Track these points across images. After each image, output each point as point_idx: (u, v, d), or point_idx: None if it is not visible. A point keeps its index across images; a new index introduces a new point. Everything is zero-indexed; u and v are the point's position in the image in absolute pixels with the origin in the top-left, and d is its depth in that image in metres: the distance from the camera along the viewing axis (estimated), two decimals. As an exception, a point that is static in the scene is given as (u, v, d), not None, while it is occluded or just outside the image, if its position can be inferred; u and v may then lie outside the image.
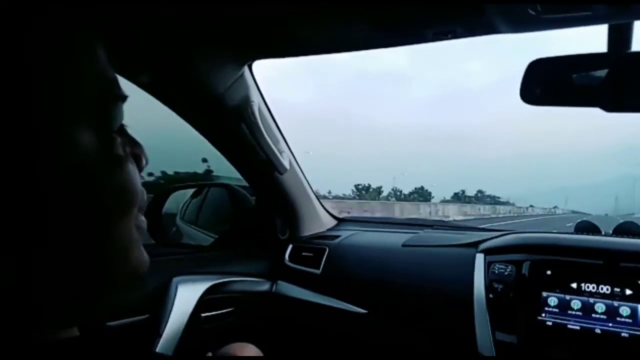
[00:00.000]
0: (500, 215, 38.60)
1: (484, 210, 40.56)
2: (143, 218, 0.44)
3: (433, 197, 75.67)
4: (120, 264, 0.40)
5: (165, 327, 1.11)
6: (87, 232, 0.36)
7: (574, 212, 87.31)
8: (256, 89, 1.17)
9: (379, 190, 67.70)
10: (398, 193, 72.75)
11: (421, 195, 73.34)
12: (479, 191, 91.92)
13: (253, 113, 1.15)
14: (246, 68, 1.10)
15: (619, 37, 0.73)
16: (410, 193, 75.46)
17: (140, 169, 0.43)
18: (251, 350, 1.02)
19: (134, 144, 0.43)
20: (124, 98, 0.41)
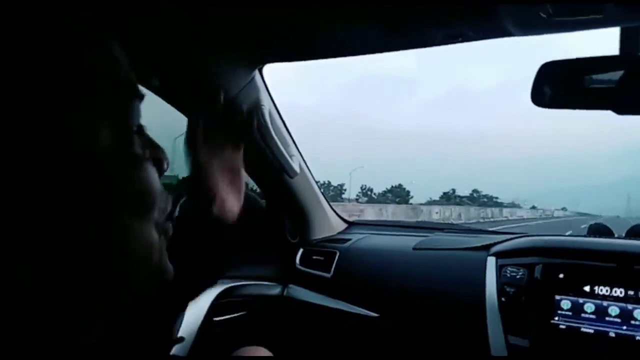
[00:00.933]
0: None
1: (391, 212, 23.92)
2: (169, 224, 0.43)
3: (412, 196, 64.35)
4: (138, 270, 0.38)
5: (178, 331, 1.12)
6: (100, 234, 0.35)
7: (580, 214, 79.59)
8: (267, 93, 1.18)
9: (340, 189, 59.98)
10: (369, 192, 63.83)
11: (398, 195, 62.18)
12: (475, 191, 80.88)
13: (263, 117, 1.15)
14: (257, 72, 1.11)
15: (632, 39, 0.73)
16: (384, 192, 64.39)
17: (161, 173, 0.42)
18: (263, 353, 1.02)
19: (154, 147, 0.42)
20: (141, 97, 0.41)
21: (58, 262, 0.33)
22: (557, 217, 51.16)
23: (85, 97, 0.34)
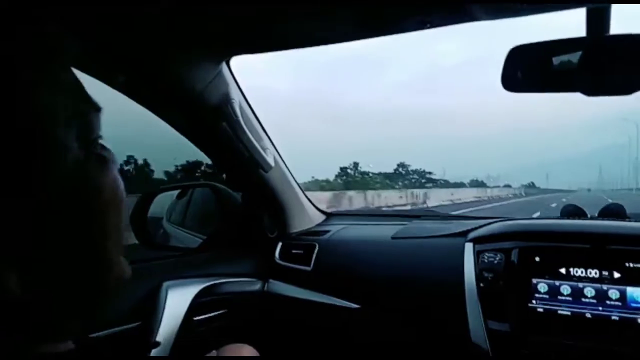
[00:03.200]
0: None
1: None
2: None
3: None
4: (108, 269, 0.40)
5: (157, 333, 1.10)
6: (75, 237, 0.36)
7: (528, 190, 60.24)
8: (236, 86, 1.15)
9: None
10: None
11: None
12: (401, 165, 59.06)
13: (234, 110, 1.13)
14: (224, 64, 1.08)
15: (597, 21, 0.73)
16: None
17: (106, 170, 0.42)
18: (247, 350, 1.01)
19: (103, 148, 0.43)
20: (98, 109, 0.41)
21: (36, 267, 0.34)
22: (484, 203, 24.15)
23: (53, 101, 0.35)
